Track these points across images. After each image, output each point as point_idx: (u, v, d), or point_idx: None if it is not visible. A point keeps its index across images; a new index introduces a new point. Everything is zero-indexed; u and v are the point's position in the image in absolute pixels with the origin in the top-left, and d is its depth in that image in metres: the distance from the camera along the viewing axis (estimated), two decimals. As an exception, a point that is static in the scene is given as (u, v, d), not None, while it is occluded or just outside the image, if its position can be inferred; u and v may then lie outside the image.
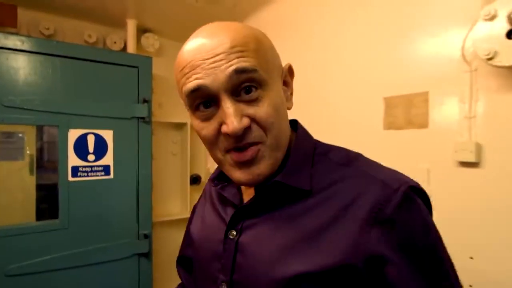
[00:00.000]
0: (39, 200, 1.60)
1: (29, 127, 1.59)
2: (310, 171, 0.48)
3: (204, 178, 2.19)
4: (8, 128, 1.56)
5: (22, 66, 1.39)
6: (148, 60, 1.71)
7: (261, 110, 0.42)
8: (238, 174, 0.45)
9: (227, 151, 0.45)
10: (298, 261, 0.42)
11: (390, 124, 1.06)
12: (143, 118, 1.67)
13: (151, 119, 1.70)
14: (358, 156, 0.50)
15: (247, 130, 0.42)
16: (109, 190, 1.58)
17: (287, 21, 1.52)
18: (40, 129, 1.60)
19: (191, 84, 0.42)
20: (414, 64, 1.00)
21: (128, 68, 1.64)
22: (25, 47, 1.39)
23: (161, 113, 2.03)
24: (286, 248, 0.43)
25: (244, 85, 0.42)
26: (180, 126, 2.13)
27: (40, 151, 1.63)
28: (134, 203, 1.66)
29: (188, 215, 2.00)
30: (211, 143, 0.45)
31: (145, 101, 1.67)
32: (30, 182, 1.59)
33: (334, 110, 1.25)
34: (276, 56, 0.48)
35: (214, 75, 0.41)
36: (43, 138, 1.66)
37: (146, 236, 1.67)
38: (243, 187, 0.54)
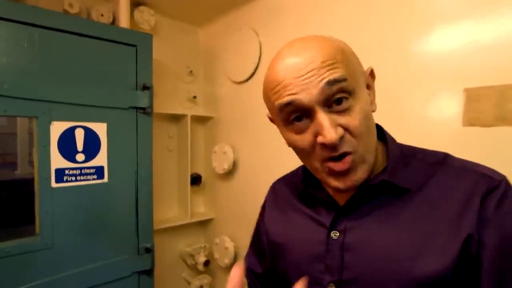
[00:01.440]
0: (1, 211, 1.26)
1: None
2: (405, 171, 0.50)
3: (205, 178, 1.93)
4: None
5: (-15, 37, 1.04)
6: (148, 37, 1.40)
7: (353, 119, 0.44)
8: (336, 183, 0.48)
9: (324, 160, 0.47)
10: (433, 258, 0.43)
11: (473, 120, 0.90)
12: (143, 108, 1.37)
13: (152, 110, 1.41)
14: (446, 155, 0.51)
15: (341, 139, 0.44)
16: (102, 196, 1.28)
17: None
18: None
19: (285, 99, 0.45)
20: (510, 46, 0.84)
21: (124, 46, 1.33)
22: (-10, 11, 1.04)
23: (155, 102, 1.71)
24: (413, 246, 0.45)
25: (336, 97, 0.44)
26: (177, 118, 1.84)
27: None
28: (132, 211, 1.37)
29: (189, 220, 1.76)
30: (308, 153, 0.48)
31: (145, 87, 1.38)
32: None
33: (398, 103, 1.06)
34: (359, 63, 0.50)
35: (307, 90, 0.44)
36: None
37: (148, 250, 1.39)
38: (331, 191, 0.55)
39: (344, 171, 0.46)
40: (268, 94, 0.48)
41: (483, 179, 0.45)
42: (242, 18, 1.67)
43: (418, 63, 1.02)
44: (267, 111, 0.54)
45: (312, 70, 0.43)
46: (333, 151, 0.45)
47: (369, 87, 0.51)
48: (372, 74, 0.53)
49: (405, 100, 1.05)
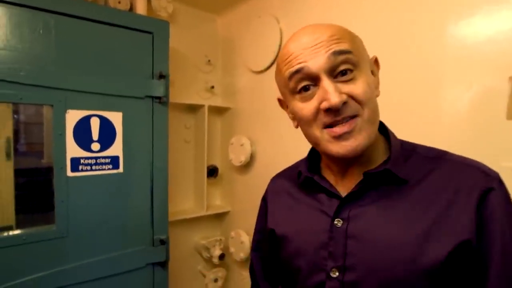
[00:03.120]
0: (21, 198, 1.27)
1: (3, 106, 1.23)
2: (406, 163, 0.53)
3: (222, 170, 1.89)
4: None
5: (1, 23, 1.03)
6: (164, 24, 1.36)
7: (357, 88, 0.48)
8: (336, 148, 0.49)
9: (325, 127, 0.50)
10: (435, 246, 0.45)
11: (520, 113, 0.79)
12: (159, 98, 1.34)
13: (168, 100, 1.37)
14: (446, 151, 0.54)
15: (345, 104, 0.47)
16: (118, 187, 1.27)
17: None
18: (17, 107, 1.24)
19: (295, 67, 0.49)
20: None
21: (140, 34, 1.30)
22: (6, -4, 1.02)
23: (173, 92, 1.68)
24: (415, 234, 0.47)
25: (341, 68, 0.48)
26: (194, 108, 1.80)
27: (18, 133, 1.28)
28: (147, 202, 1.35)
29: (205, 212, 1.73)
30: (310, 121, 0.51)
31: (161, 76, 1.34)
32: (6, 173, 1.25)
33: (432, 94, 0.97)
34: (365, 49, 0.53)
35: (315, 58, 0.48)
36: (22, 117, 1.31)
37: (162, 242, 1.37)
38: (333, 181, 0.58)
39: (344, 134, 0.48)
40: (280, 66, 0.53)
41: (480, 174, 0.48)
42: (262, 5, 1.59)
43: (455, 49, 0.91)
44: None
45: (320, 42, 0.48)
46: (336, 115, 0.48)
47: (373, 74, 0.54)
48: (377, 62, 0.56)
49: (440, 91, 0.95)
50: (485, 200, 0.46)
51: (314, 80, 0.49)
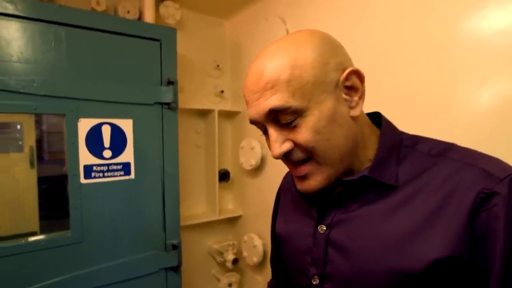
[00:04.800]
0: (44, 204, 1.32)
1: (26, 116, 1.29)
2: (396, 165, 0.49)
3: (234, 174, 1.89)
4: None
5: (16, 37, 1.07)
6: (172, 31, 1.38)
7: (300, 136, 0.46)
8: (297, 185, 0.52)
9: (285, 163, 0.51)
10: (416, 262, 0.42)
11: (539, 108, 0.75)
12: (167, 104, 1.35)
13: (177, 105, 1.38)
14: (451, 146, 0.49)
15: (290, 152, 0.47)
16: (130, 193, 1.29)
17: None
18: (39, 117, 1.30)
19: (249, 114, 0.50)
20: None
21: (148, 41, 1.32)
22: (19, 11, 1.06)
23: (182, 98, 1.70)
24: (397, 244, 0.44)
25: (281, 118, 0.46)
26: (204, 113, 1.82)
27: (41, 142, 1.33)
28: (159, 208, 1.36)
29: (217, 217, 1.73)
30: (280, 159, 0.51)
31: (169, 82, 1.35)
32: (30, 180, 1.30)
33: (444, 90, 0.94)
34: (325, 71, 0.45)
35: (257, 108, 0.47)
36: (44, 127, 1.36)
37: (174, 247, 1.38)
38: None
39: (301, 176, 0.49)
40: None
41: (478, 175, 0.42)
42: (269, 7, 1.59)
43: (469, 41, 0.88)
44: None
45: (258, 91, 0.46)
46: (285, 160, 0.49)
47: (352, 89, 0.48)
48: (358, 75, 0.47)
49: (452, 86, 0.91)
50: (483, 207, 0.39)
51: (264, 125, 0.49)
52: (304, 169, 0.48)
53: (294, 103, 0.44)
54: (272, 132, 0.47)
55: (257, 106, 0.46)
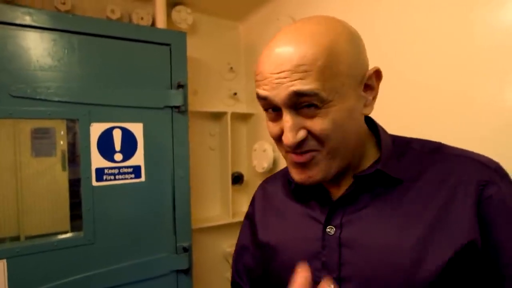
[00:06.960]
0: (74, 205, 1.38)
1: (59, 121, 1.37)
2: (399, 161, 0.50)
3: (248, 177, 1.88)
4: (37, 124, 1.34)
5: (32, 46, 1.13)
6: (181, 36, 1.39)
7: (318, 125, 0.44)
8: (293, 173, 0.50)
9: (287, 151, 0.48)
10: (438, 251, 0.42)
11: None
12: (177, 107, 1.37)
13: (187, 108, 1.39)
14: (441, 144, 0.51)
15: (303, 140, 0.45)
16: (140, 195, 1.31)
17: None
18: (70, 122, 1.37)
19: (260, 92, 0.46)
20: None
21: (158, 46, 1.34)
22: (35, 22, 1.12)
23: (196, 101, 1.72)
24: (415, 238, 0.44)
25: (304, 104, 0.44)
26: (218, 116, 1.82)
27: (73, 146, 1.40)
28: (170, 210, 1.37)
29: (231, 220, 1.71)
30: (276, 141, 0.50)
31: (179, 86, 1.37)
32: (63, 182, 1.39)
33: (460, 92, 0.86)
34: (356, 65, 0.45)
35: (278, 90, 0.44)
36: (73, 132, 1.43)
37: (185, 250, 1.39)
38: (326, 186, 0.54)
39: (303, 163, 0.47)
40: (255, 75, 0.49)
41: (478, 166, 0.45)
42: (280, 7, 1.57)
43: (486, 40, 0.80)
44: None
45: (285, 71, 0.43)
46: (293, 150, 0.46)
47: (370, 87, 0.48)
48: (377, 74, 0.48)
49: (470, 87, 0.84)
50: (484, 196, 0.43)
51: (278, 108, 0.46)
52: (309, 155, 0.46)
53: (323, 91, 0.42)
54: (289, 118, 0.44)
55: (280, 87, 0.43)
